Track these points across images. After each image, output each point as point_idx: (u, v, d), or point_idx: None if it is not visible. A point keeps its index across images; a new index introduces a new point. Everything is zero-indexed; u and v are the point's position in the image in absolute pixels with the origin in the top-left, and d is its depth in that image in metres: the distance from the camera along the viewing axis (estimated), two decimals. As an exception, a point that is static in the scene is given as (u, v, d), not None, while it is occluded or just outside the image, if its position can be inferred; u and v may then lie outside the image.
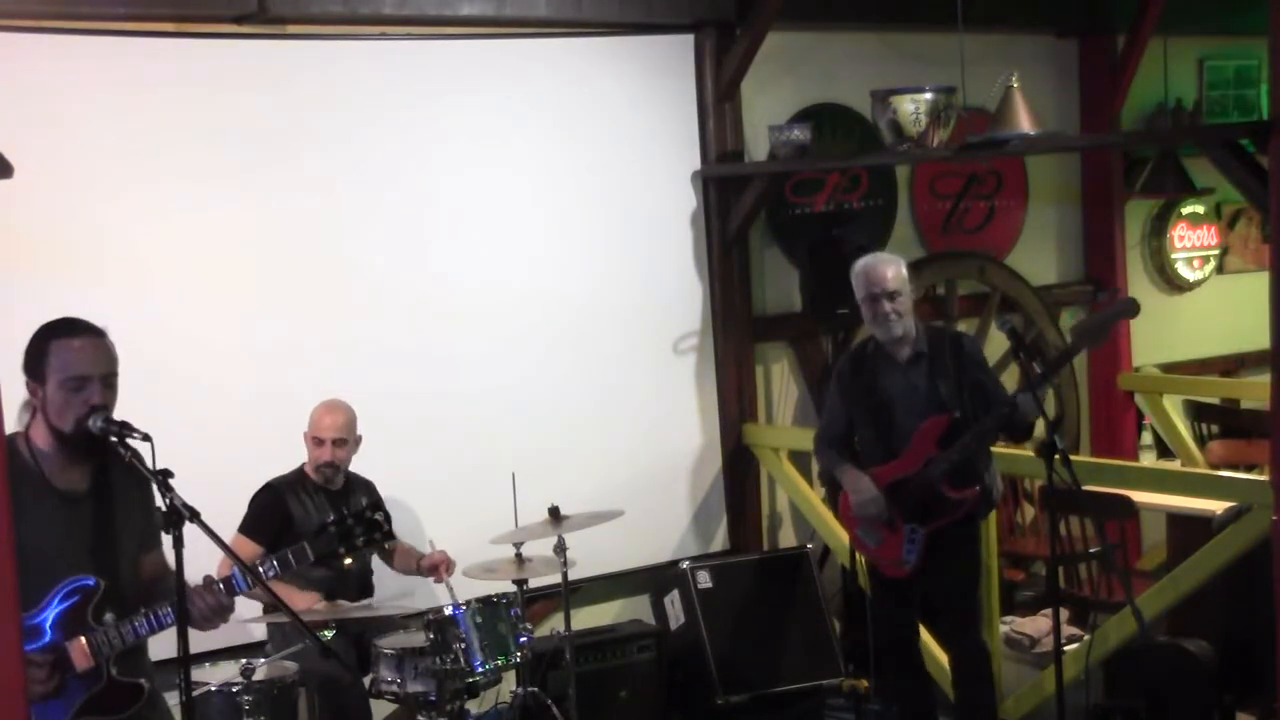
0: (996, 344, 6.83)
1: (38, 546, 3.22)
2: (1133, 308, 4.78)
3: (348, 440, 5.11)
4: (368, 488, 5.18)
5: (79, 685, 3.30)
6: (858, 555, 5.17)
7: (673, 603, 6.00)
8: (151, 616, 3.33)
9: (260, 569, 3.50)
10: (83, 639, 3.29)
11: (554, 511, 5.14)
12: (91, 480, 3.39)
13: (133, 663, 3.41)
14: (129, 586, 3.41)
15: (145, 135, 5.19)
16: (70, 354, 3.30)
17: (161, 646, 3.49)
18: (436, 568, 5.15)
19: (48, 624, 3.28)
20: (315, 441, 5.10)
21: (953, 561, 4.95)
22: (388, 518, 3.64)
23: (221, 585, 3.38)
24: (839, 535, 5.70)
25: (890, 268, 4.89)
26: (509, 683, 5.32)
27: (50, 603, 3.28)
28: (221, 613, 3.40)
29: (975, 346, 5.04)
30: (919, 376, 4.89)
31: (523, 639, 4.92)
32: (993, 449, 5.03)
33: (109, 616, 3.32)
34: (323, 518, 4.91)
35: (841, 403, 5.10)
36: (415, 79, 5.75)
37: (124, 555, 3.41)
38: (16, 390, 3.34)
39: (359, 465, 5.22)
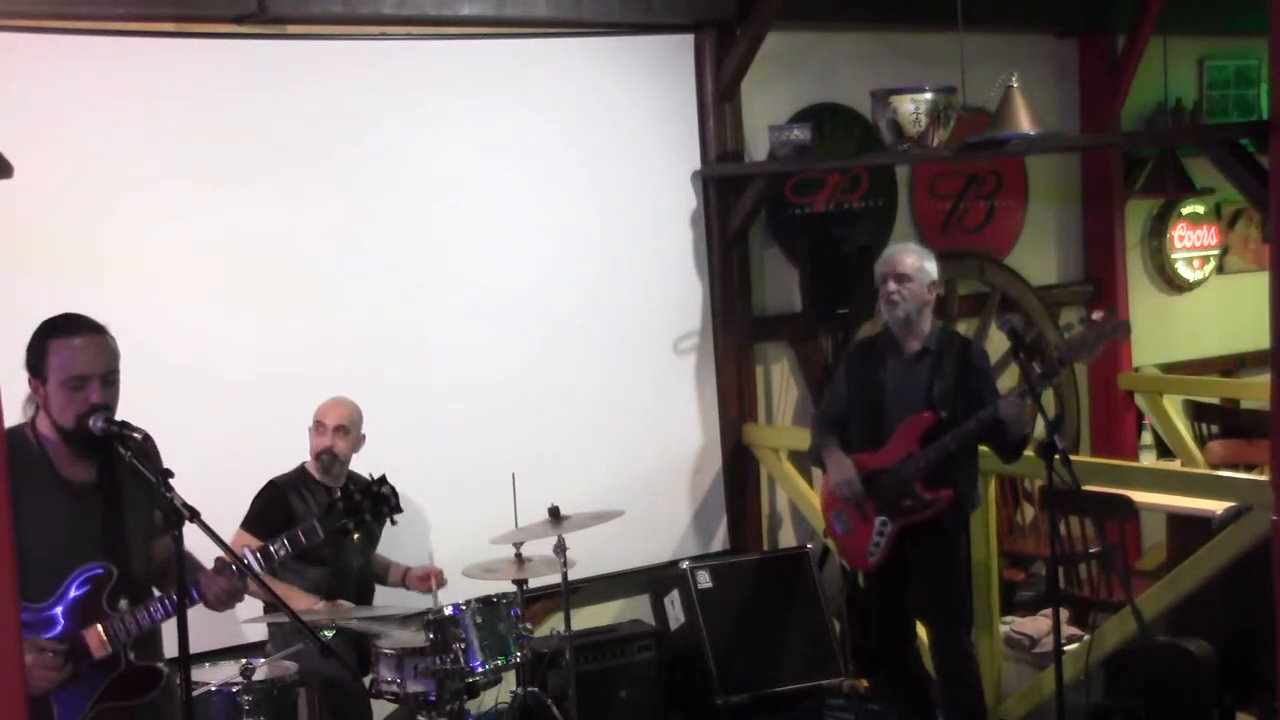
0: (996, 344, 6.83)
1: (48, 538, 3.24)
2: (1123, 329, 4.80)
3: (349, 430, 5.12)
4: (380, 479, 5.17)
5: (98, 672, 3.32)
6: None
7: (673, 603, 6.00)
8: (166, 601, 3.34)
9: (271, 548, 3.50)
10: (99, 626, 3.31)
11: (554, 511, 5.14)
12: (99, 473, 3.40)
13: (149, 648, 3.44)
14: (140, 573, 3.43)
15: (145, 135, 5.20)
16: (70, 352, 3.31)
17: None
18: (427, 578, 5.16)
19: (61, 613, 3.29)
20: (317, 427, 5.12)
21: (929, 565, 4.97)
22: (394, 491, 3.64)
23: (235, 567, 3.39)
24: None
25: (910, 256, 4.95)
26: (509, 683, 5.32)
27: (64, 592, 3.30)
28: (236, 594, 3.42)
29: (982, 356, 5.04)
30: (920, 373, 4.92)
31: (523, 639, 4.92)
32: (980, 460, 5.04)
33: (123, 603, 3.34)
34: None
35: (845, 385, 5.15)
36: (415, 79, 5.75)
37: (134, 545, 3.43)
38: (20, 388, 3.35)
39: (361, 468, 5.21)
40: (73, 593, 3.30)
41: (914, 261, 4.92)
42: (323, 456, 5.09)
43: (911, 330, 4.95)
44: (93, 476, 3.40)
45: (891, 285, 4.91)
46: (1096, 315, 4.81)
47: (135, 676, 3.38)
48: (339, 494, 3.64)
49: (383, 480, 3.66)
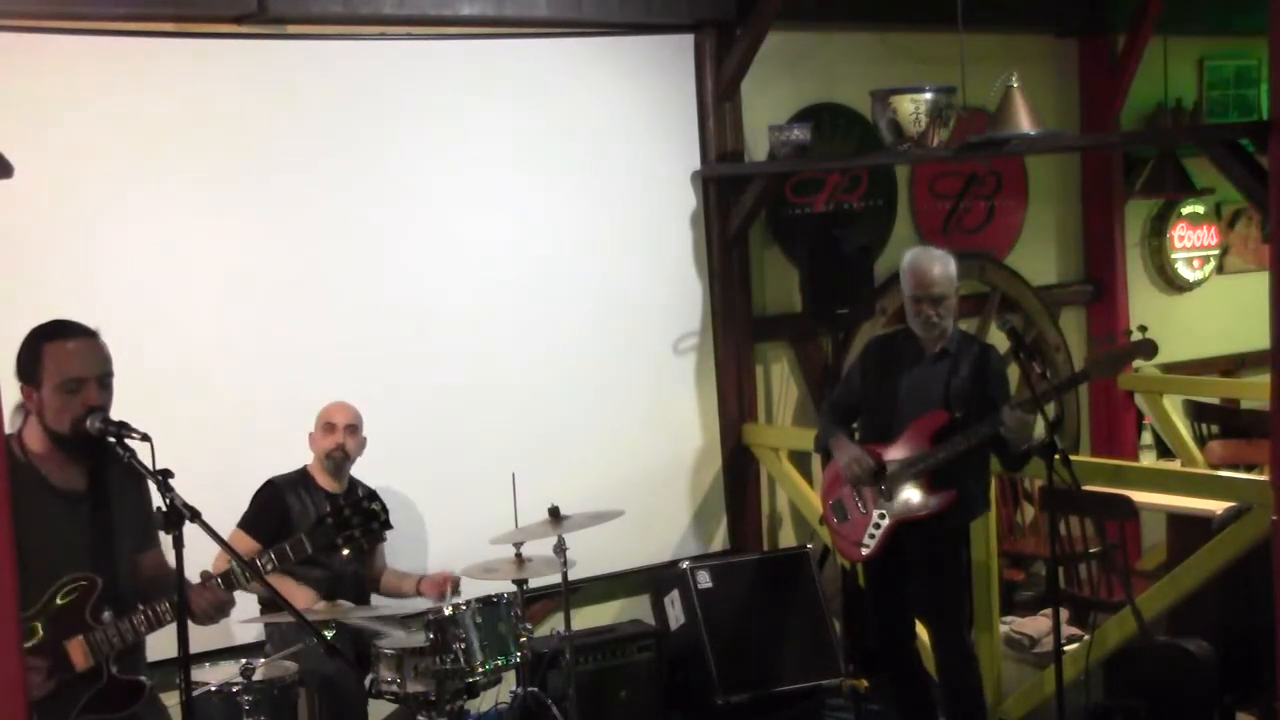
0: (996, 344, 6.82)
1: (35, 545, 3.21)
2: (1150, 349, 4.78)
3: (358, 428, 5.14)
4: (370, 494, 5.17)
5: (80, 684, 3.30)
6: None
7: (673, 603, 6.00)
8: (150, 613, 3.33)
9: (258, 563, 3.50)
10: (81, 638, 3.29)
11: (554, 511, 5.13)
12: (89, 479, 3.39)
13: (132, 661, 3.42)
14: (126, 585, 3.42)
15: (145, 136, 5.19)
16: (65, 356, 3.31)
17: (162, 646, 3.49)
18: (441, 584, 5.13)
19: (44, 623, 3.27)
20: (326, 428, 5.12)
21: (929, 565, 4.96)
22: (384, 508, 3.63)
23: (220, 580, 3.39)
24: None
25: (937, 267, 4.89)
26: (509, 683, 5.32)
27: (48, 601, 3.28)
28: (222, 608, 3.41)
29: (999, 363, 5.01)
30: (938, 372, 4.92)
31: (523, 639, 4.92)
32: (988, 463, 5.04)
33: (107, 615, 3.32)
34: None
35: (860, 376, 5.15)
36: (415, 79, 5.75)
37: (120, 554, 3.41)
38: (13, 392, 3.35)
39: (362, 468, 5.22)
40: (57, 603, 3.28)
41: (941, 272, 4.88)
42: (334, 455, 5.10)
43: (940, 335, 4.95)
44: (83, 485, 3.39)
45: (928, 309, 4.86)
46: (1124, 333, 4.82)
47: (117, 690, 3.36)
48: (329, 508, 3.63)
49: (373, 496, 3.67)
